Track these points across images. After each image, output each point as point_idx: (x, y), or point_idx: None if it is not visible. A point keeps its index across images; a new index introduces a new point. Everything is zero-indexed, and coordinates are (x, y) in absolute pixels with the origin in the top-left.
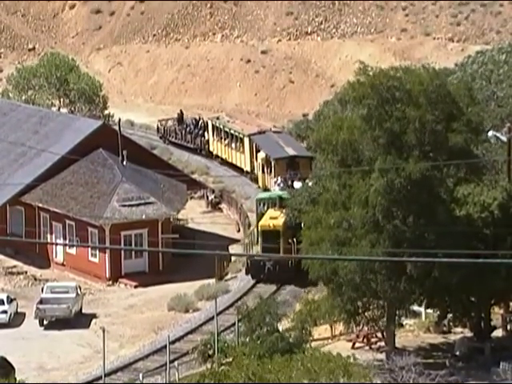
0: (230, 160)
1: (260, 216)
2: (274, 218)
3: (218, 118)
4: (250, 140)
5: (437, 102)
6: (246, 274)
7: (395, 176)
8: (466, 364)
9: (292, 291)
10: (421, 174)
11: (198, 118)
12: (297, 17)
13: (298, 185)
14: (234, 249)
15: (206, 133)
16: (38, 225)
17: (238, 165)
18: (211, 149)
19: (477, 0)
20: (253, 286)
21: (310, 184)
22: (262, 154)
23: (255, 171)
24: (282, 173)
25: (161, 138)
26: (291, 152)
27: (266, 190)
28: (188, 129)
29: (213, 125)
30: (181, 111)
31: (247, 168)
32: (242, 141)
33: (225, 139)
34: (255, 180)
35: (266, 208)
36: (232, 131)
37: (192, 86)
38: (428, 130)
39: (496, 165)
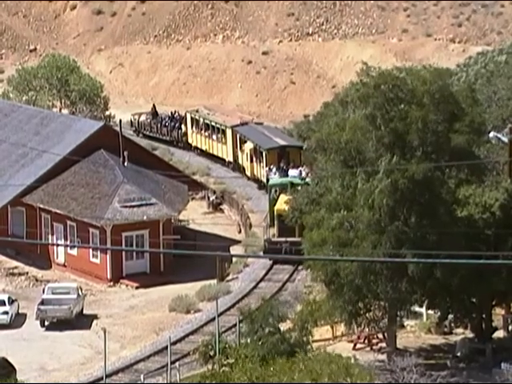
0: (210, 151)
1: (273, 201)
2: (288, 202)
3: (197, 111)
4: (232, 131)
5: (439, 103)
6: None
7: (399, 177)
8: (468, 365)
9: (293, 292)
10: (423, 174)
11: (173, 111)
12: (298, 18)
13: (293, 172)
14: (235, 249)
15: (183, 125)
16: (39, 226)
17: (220, 155)
18: (190, 141)
19: (478, 1)
20: (254, 287)
21: (311, 184)
22: (249, 145)
23: (239, 161)
24: (273, 162)
25: (134, 131)
26: (281, 142)
27: (255, 179)
28: (164, 122)
29: (192, 117)
30: (153, 105)
31: (229, 158)
32: (224, 132)
33: (205, 131)
34: (240, 170)
35: (277, 193)
36: (213, 123)
37: (193, 87)
38: (430, 130)
39: (497, 166)
